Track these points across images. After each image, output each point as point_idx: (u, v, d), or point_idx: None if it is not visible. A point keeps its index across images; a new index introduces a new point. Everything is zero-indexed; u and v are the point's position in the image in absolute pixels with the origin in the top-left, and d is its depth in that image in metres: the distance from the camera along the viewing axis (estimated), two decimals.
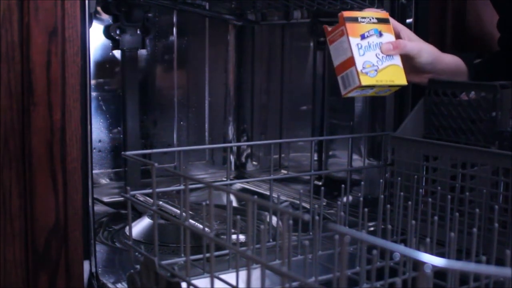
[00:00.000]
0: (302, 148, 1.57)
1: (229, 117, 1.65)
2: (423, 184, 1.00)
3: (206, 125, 1.62)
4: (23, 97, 0.87)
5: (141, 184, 1.42)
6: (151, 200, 0.81)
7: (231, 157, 1.67)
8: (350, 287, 0.78)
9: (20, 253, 0.89)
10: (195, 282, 0.70)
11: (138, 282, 0.77)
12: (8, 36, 0.86)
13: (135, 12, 1.38)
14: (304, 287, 0.55)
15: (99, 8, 1.37)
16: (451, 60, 1.04)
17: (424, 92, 1.04)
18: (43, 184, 0.89)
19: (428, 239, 0.82)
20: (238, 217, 0.77)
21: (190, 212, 1.09)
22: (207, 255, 0.80)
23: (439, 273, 0.51)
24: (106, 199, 1.41)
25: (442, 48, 1.06)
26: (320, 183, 1.44)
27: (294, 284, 0.61)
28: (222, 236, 1.02)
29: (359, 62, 0.93)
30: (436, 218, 0.86)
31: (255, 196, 0.66)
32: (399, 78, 0.95)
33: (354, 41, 0.93)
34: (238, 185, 1.53)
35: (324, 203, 1.13)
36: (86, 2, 0.90)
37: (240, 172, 1.67)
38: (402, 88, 0.98)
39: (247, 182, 1.56)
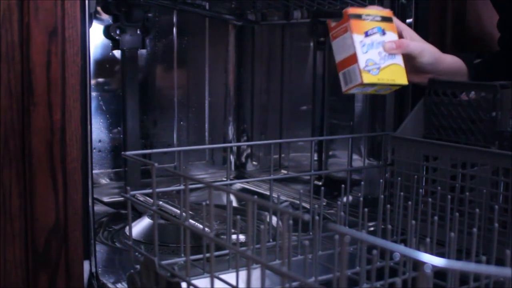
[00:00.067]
0: (302, 148, 1.57)
1: (229, 117, 1.65)
2: (423, 184, 0.99)
3: (206, 125, 1.62)
4: (23, 97, 0.87)
5: (141, 184, 1.42)
6: (151, 200, 0.81)
7: (231, 157, 1.67)
8: (350, 287, 0.78)
9: (20, 253, 0.89)
10: (195, 282, 0.70)
11: (138, 282, 0.77)
12: (8, 36, 0.86)
13: (135, 12, 1.38)
14: (304, 287, 0.55)
15: (99, 8, 1.37)
16: (451, 61, 1.04)
17: (424, 92, 1.04)
18: (43, 184, 0.89)
19: (428, 239, 0.82)
20: (238, 217, 0.77)
21: (190, 212, 1.09)
22: (207, 255, 0.80)
23: (439, 273, 0.51)
24: (106, 199, 1.41)
25: (442, 48, 1.06)
26: (320, 183, 1.44)
27: (294, 284, 0.61)
28: (222, 236, 1.02)
29: (361, 59, 0.92)
30: (436, 218, 0.86)
31: (255, 196, 0.66)
32: (401, 77, 0.95)
33: (357, 38, 0.93)
34: (238, 185, 1.53)
35: (324, 203, 1.13)
36: (86, 2, 0.90)
37: (240, 172, 1.67)
38: (402, 88, 0.98)
39: (247, 182, 1.56)
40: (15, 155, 0.88)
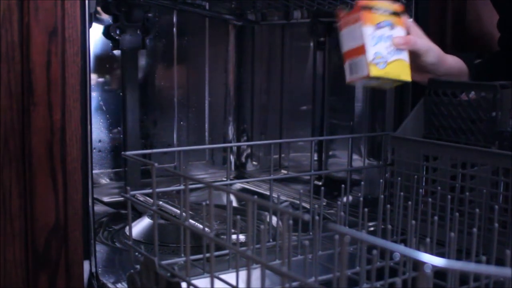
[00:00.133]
0: (302, 148, 1.57)
1: (229, 117, 1.66)
2: (423, 184, 0.99)
3: (206, 125, 1.62)
4: (23, 97, 0.87)
5: (141, 184, 1.42)
6: (151, 200, 0.81)
7: (231, 157, 1.67)
8: (350, 287, 0.78)
9: (20, 253, 0.89)
10: (195, 282, 0.70)
11: (138, 282, 0.77)
12: (8, 36, 0.86)
13: (135, 12, 1.38)
14: (304, 287, 0.55)
15: (99, 8, 1.37)
16: (453, 63, 1.04)
17: (424, 92, 1.04)
18: (43, 184, 0.89)
19: (428, 239, 0.82)
20: (238, 217, 0.77)
21: (190, 212, 1.09)
22: (207, 255, 0.80)
23: (439, 273, 0.51)
24: (106, 199, 1.41)
25: (442, 48, 1.06)
26: (320, 183, 1.44)
27: (294, 284, 0.61)
28: (222, 236, 1.02)
29: (370, 52, 0.91)
30: (436, 218, 0.86)
31: (255, 196, 0.66)
32: (405, 74, 0.94)
33: (368, 30, 0.92)
34: (238, 185, 1.53)
35: (324, 203, 1.13)
36: (86, 2, 0.90)
37: (240, 172, 1.67)
38: (402, 87, 0.98)
39: (247, 182, 1.56)
40: (15, 155, 0.88)
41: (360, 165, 1.23)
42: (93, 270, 0.93)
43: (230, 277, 0.70)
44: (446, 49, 1.10)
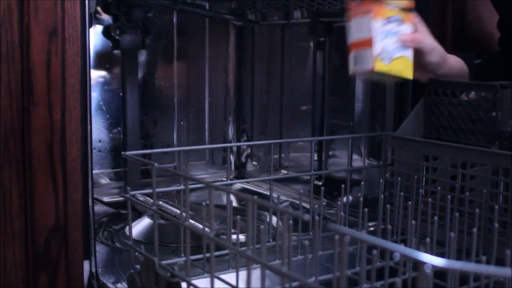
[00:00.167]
0: (302, 148, 1.57)
1: (229, 117, 1.66)
2: (423, 184, 0.99)
3: (206, 125, 1.62)
4: (23, 97, 0.87)
5: (141, 184, 1.42)
6: (151, 200, 0.81)
7: (231, 157, 1.67)
8: (350, 287, 0.78)
9: (20, 253, 0.89)
10: (195, 282, 0.70)
11: (138, 282, 0.77)
12: (8, 36, 0.86)
13: (135, 12, 1.38)
14: (304, 287, 0.55)
15: (99, 8, 1.37)
16: (454, 63, 1.03)
17: (424, 92, 1.04)
18: (43, 184, 0.89)
19: (428, 239, 0.82)
20: (238, 217, 0.77)
21: (190, 212, 1.09)
22: (207, 255, 0.80)
23: (439, 273, 0.51)
24: (106, 199, 1.41)
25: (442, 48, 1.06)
26: (320, 183, 1.44)
27: (294, 284, 0.61)
28: (222, 236, 1.02)
29: (377, 46, 0.90)
30: (436, 218, 0.86)
31: (255, 196, 0.66)
32: (408, 71, 0.94)
33: (377, 23, 0.91)
34: (238, 185, 1.53)
35: (324, 203, 1.13)
36: (86, 2, 0.90)
37: (240, 172, 1.67)
38: (402, 87, 0.98)
39: (247, 182, 1.56)
40: (15, 155, 0.88)
41: (360, 165, 1.23)
42: (93, 270, 0.93)
43: (230, 277, 0.70)
44: (446, 49, 1.10)
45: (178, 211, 1.01)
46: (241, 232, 1.06)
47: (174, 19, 1.52)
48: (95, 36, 1.40)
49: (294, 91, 1.57)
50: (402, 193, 0.97)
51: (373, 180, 1.26)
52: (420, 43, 0.95)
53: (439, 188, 0.96)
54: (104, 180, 1.47)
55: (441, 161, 0.97)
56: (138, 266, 0.78)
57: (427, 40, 0.98)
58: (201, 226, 1.07)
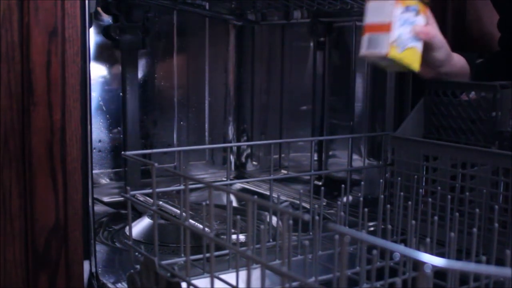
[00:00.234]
0: (302, 148, 1.57)
1: (229, 117, 1.66)
2: (423, 184, 0.99)
3: (206, 125, 1.62)
4: (23, 97, 0.87)
5: (141, 184, 1.42)
6: (151, 200, 0.81)
7: (231, 157, 1.67)
8: (350, 287, 0.78)
9: (20, 253, 0.89)
10: (195, 282, 0.70)
11: (138, 282, 0.77)
12: (8, 36, 0.86)
13: (135, 12, 1.38)
14: (304, 287, 0.55)
15: (99, 8, 1.37)
16: (456, 62, 1.03)
17: (424, 92, 1.04)
18: (43, 184, 0.89)
19: (428, 239, 0.82)
20: (238, 217, 0.77)
21: (190, 212, 1.09)
22: (207, 255, 0.80)
23: (439, 273, 0.51)
24: (106, 199, 1.41)
25: None
26: (320, 183, 1.44)
27: (294, 284, 0.61)
28: (222, 236, 1.02)
29: (394, 32, 0.90)
30: (436, 218, 0.86)
31: (255, 196, 0.66)
32: (416, 63, 0.93)
33: (398, 10, 0.90)
34: (238, 185, 1.53)
35: (324, 203, 1.13)
36: (86, 2, 0.90)
37: (240, 172, 1.67)
38: (402, 87, 0.98)
39: (247, 182, 1.56)
40: (15, 155, 0.88)
41: (360, 165, 1.23)
42: (93, 270, 0.93)
43: (230, 277, 0.70)
44: None
45: (178, 211, 1.01)
46: (241, 232, 1.06)
47: (174, 19, 1.52)
48: (95, 36, 1.40)
49: (294, 91, 1.57)
50: (402, 193, 0.97)
51: (373, 180, 1.26)
52: (432, 37, 0.95)
53: (439, 188, 0.96)
54: (104, 180, 1.47)
55: (441, 161, 0.97)
56: (138, 266, 0.78)
57: (438, 35, 0.97)
58: (201, 226, 1.07)
